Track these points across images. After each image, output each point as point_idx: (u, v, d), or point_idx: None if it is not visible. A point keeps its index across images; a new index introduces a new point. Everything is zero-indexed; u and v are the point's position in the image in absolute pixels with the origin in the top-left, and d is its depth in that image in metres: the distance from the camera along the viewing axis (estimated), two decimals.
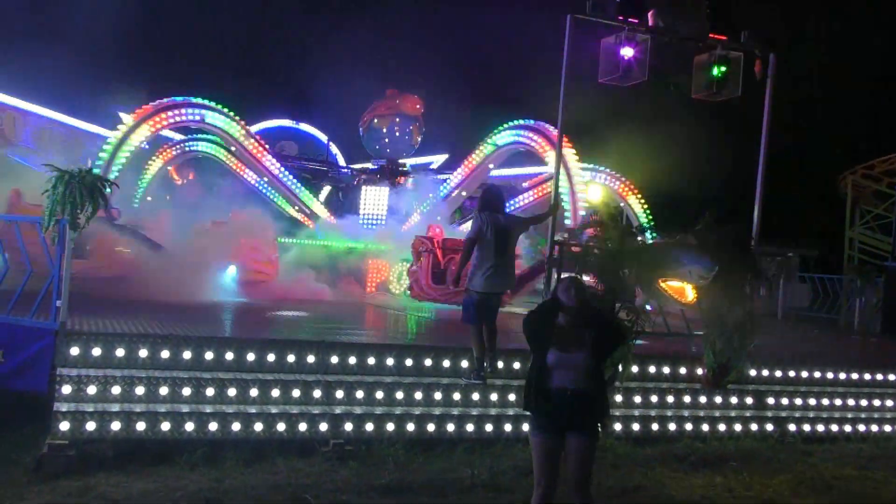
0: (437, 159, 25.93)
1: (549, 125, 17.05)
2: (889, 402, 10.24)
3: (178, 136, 20.05)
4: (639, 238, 9.52)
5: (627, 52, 9.65)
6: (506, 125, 18.19)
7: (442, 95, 21.99)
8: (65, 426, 6.74)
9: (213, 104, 17.13)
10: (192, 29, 27.99)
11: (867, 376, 10.49)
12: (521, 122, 17.79)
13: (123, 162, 15.79)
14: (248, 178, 18.68)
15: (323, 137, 27.26)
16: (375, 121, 20.75)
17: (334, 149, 26.61)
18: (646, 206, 19.47)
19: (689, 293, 9.89)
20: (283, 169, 18.55)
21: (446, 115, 22.28)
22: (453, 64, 22.92)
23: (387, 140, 20.89)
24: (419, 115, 20.73)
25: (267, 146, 18.77)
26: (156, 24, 27.96)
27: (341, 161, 25.82)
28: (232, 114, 17.51)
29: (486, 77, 25.25)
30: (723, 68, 10.00)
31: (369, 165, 22.01)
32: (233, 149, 18.19)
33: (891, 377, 10.59)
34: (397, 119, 20.94)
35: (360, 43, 24.55)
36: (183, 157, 19.09)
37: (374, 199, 19.40)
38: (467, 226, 18.55)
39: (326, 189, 23.36)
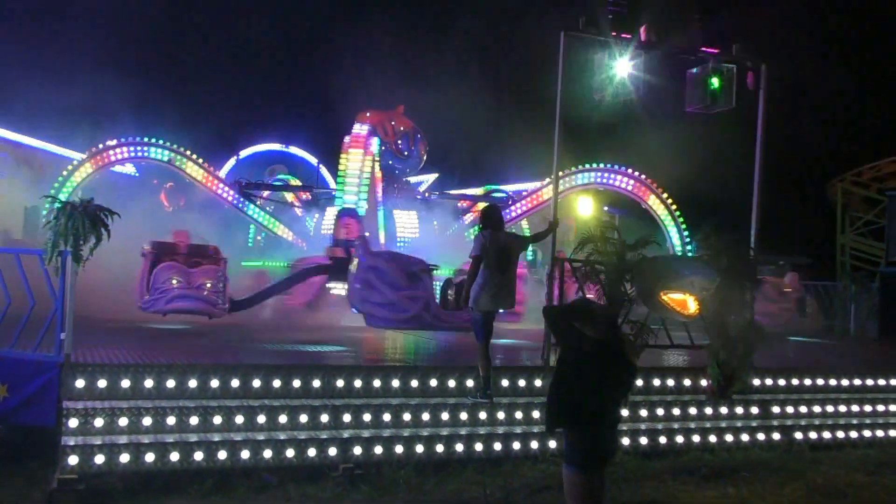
0: (427, 178, 25.97)
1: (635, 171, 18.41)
2: (893, 407, 10.27)
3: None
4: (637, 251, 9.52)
5: (620, 67, 9.73)
6: (586, 165, 19.17)
7: (432, 114, 22.01)
8: (73, 460, 6.66)
9: (154, 140, 17.69)
10: (179, 53, 28.04)
11: (870, 382, 10.53)
12: (606, 165, 19.23)
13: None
14: (223, 193, 18.67)
15: (313, 160, 27.29)
16: None
17: (325, 172, 26.60)
18: (672, 203, 19.62)
19: (691, 305, 9.91)
20: (237, 196, 18.59)
21: (437, 134, 22.31)
22: (443, 84, 22.92)
23: None
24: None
25: (218, 175, 18.92)
26: (144, 46, 27.95)
27: (332, 185, 25.76)
28: (175, 146, 17.91)
29: (477, 95, 25.34)
30: (716, 81, 10.10)
31: None
32: (188, 180, 18.39)
33: (893, 382, 10.62)
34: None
35: (350, 64, 24.65)
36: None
37: (406, 223, 19.33)
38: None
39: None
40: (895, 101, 25.79)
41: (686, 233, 18.89)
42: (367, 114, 20.18)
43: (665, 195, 19.30)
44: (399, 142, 20.30)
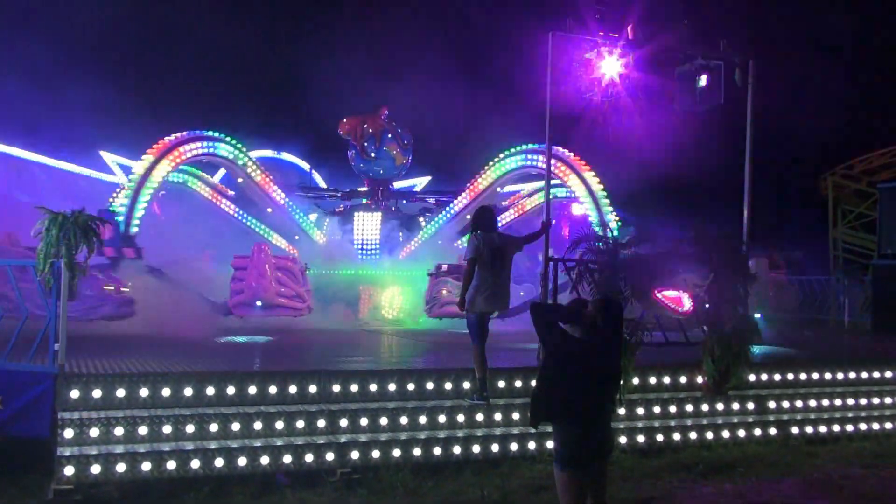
0: (420, 181, 25.98)
1: (562, 149, 16.84)
2: (888, 400, 10.29)
3: None
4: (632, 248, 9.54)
5: (608, 66, 9.75)
6: (515, 149, 17.86)
7: (425, 116, 21.96)
8: (69, 471, 6.66)
9: (222, 136, 16.95)
10: (167, 59, 27.92)
11: (864, 375, 10.55)
12: (533, 145, 17.53)
13: (147, 202, 15.42)
14: (225, 208, 18.46)
15: (305, 166, 27.23)
16: None
17: (318, 178, 26.56)
18: (599, 184, 17.36)
19: (686, 302, 9.94)
20: (287, 199, 18.42)
21: (429, 136, 22.25)
22: (435, 86, 22.89)
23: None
24: (344, 136, 20.55)
25: (271, 176, 18.61)
26: (129, 50, 27.77)
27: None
28: (239, 145, 17.35)
29: (470, 97, 25.32)
30: (704, 78, 10.13)
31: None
32: (240, 180, 18.04)
33: (888, 374, 10.65)
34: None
35: (343, 68, 24.60)
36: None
37: (367, 225, 19.28)
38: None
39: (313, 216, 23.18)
40: (885, 94, 25.88)
41: (610, 218, 16.73)
42: (344, 120, 20.15)
43: (591, 174, 17.11)
44: (365, 143, 20.15)
